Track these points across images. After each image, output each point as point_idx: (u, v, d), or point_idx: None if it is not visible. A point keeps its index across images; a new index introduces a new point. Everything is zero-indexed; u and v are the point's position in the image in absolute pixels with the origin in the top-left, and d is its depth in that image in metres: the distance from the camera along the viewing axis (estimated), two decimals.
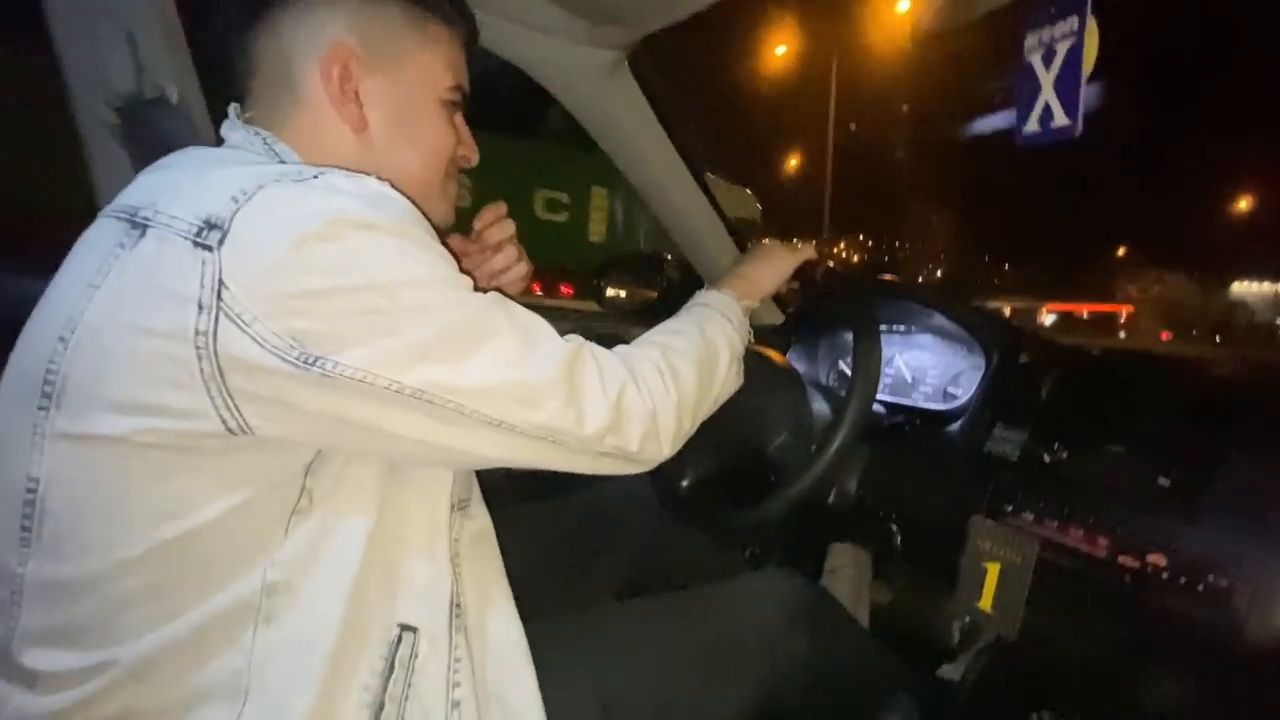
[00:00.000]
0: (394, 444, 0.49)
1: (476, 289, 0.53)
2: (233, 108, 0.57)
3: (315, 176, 0.46)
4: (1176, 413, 0.72)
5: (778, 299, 1.37)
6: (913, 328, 1.14)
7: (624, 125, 1.07)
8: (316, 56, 0.54)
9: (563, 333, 0.56)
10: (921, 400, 1.11)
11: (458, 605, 0.55)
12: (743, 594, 0.85)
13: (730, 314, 0.72)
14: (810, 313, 1.28)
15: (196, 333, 0.41)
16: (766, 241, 0.91)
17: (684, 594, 0.88)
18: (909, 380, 1.14)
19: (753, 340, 0.74)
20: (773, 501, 0.78)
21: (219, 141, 0.56)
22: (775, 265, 0.85)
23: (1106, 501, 0.72)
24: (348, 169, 0.54)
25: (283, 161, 0.52)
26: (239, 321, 0.41)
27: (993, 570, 0.77)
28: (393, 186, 0.50)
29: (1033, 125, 0.63)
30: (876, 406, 1.07)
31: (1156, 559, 0.67)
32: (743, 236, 1.32)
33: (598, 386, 0.53)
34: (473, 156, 0.65)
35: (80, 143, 0.79)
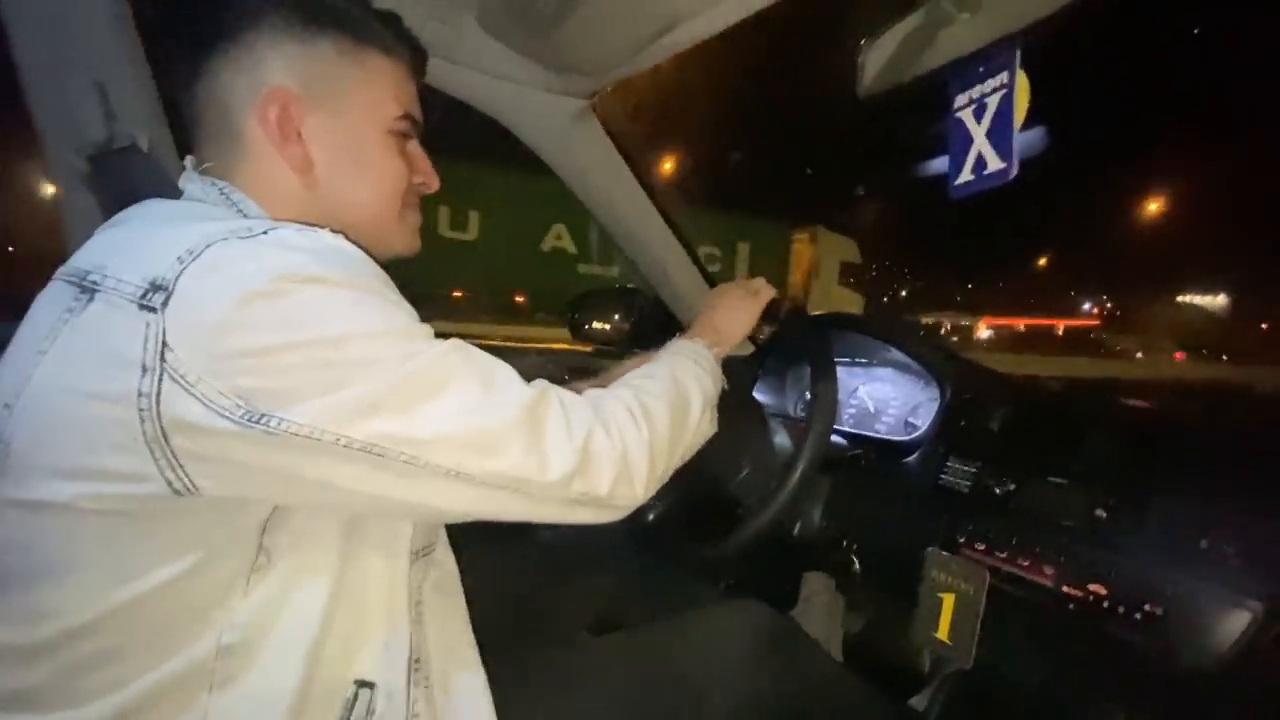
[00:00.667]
0: (350, 499, 0.48)
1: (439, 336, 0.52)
2: (189, 159, 0.57)
3: (265, 233, 0.46)
4: (1113, 446, 0.75)
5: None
6: (874, 361, 1.18)
7: (591, 169, 1.10)
8: (254, 101, 0.53)
9: (534, 370, 0.56)
10: (884, 431, 1.13)
11: (417, 660, 0.54)
12: (711, 626, 0.86)
13: (702, 361, 0.71)
14: (777, 346, 1.32)
15: (140, 395, 0.40)
16: (728, 286, 0.91)
17: (652, 627, 0.89)
18: (871, 411, 1.17)
19: (726, 386, 0.74)
20: (735, 535, 0.80)
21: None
22: (740, 313, 0.85)
23: (1051, 532, 0.75)
24: (302, 214, 0.55)
25: (241, 212, 0.53)
26: (183, 382, 0.41)
27: (948, 601, 0.79)
28: (346, 238, 0.50)
29: (966, 176, 0.66)
30: (839, 438, 1.10)
31: (1097, 588, 0.69)
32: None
33: (562, 430, 0.51)
34: (431, 183, 0.65)
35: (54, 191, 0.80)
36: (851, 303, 9.64)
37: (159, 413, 0.41)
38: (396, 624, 0.53)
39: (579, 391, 0.59)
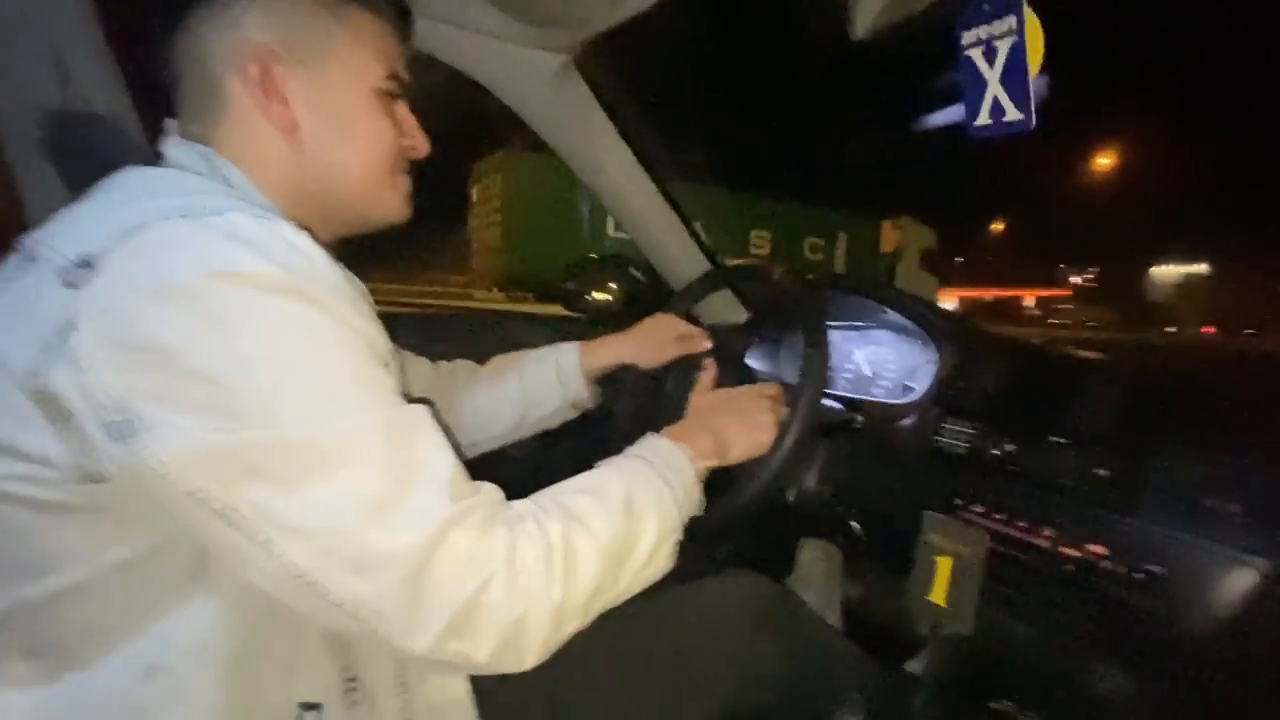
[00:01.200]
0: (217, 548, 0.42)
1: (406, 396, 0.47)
2: (170, 123, 0.55)
3: (219, 214, 0.42)
4: (1115, 405, 0.73)
5: (741, 296, 1.37)
6: (870, 324, 1.15)
7: (575, 129, 1.06)
8: (234, 60, 0.51)
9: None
10: (881, 395, 1.11)
11: (352, 680, 0.50)
12: (704, 597, 0.85)
13: (676, 481, 0.58)
14: (771, 311, 1.29)
15: (36, 372, 0.38)
16: (748, 390, 0.77)
17: (646, 598, 0.88)
18: (869, 375, 1.15)
19: (700, 512, 0.62)
20: (727, 504, 0.78)
21: (155, 155, 0.54)
22: (755, 430, 0.71)
23: (1050, 493, 0.73)
24: (289, 179, 0.54)
25: (226, 179, 0.50)
26: (75, 367, 0.38)
27: (944, 565, 0.78)
28: (314, 238, 0.45)
29: (984, 118, 0.62)
30: (836, 403, 1.07)
31: (1097, 549, 0.68)
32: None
33: (455, 573, 0.42)
34: (421, 146, 0.62)
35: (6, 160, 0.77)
36: (929, 285, 9.58)
37: (53, 393, 0.38)
38: (331, 642, 0.49)
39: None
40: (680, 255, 1.29)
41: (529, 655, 0.47)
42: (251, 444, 0.39)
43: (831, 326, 1.20)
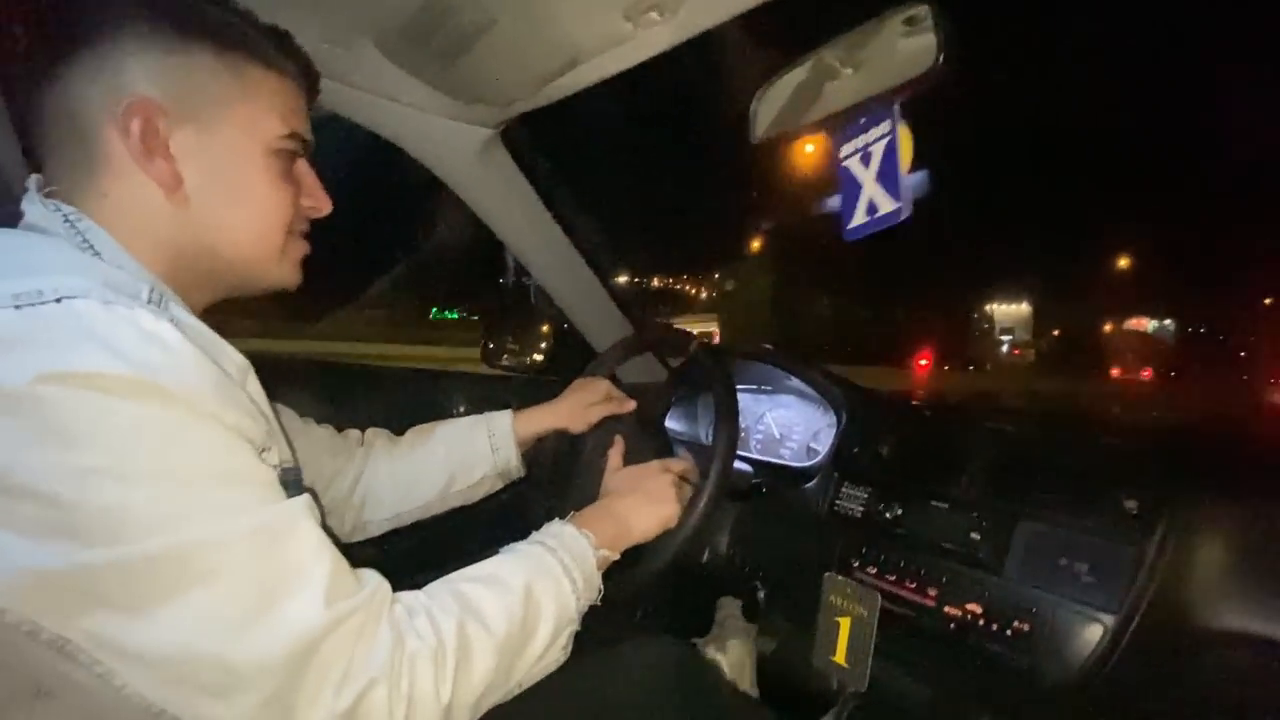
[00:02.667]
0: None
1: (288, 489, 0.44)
2: (33, 179, 0.50)
3: (57, 300, 0.37)
4: (987, 470, 0.81)
5: (660, 358, 1.42)
6: (777, 388, 1.22)
7: (501, 200, 1.09)
8: (113, 112, 0.47)
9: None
10: (788, 457, 1.17)
11: None
12: (616, 663, 0.84)
13: (576, 571, 0.58)
14: (689, 373, 1.34)
15: None
16: (651, 467, 0.78)
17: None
18: (777, 437, 1.21)
19: (599, 602, 0.63)
20: (641, 568, 0.80)
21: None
22: (659, 507, 0.72)
23: (934, 555, 0.79)
24: (169, 241, 0.50)
25: (89, 244, 0.46)
26: None
27: (844, 624, 0.82)
28: (175, 325, 0.40)
29: (859, 219, 0.69)
30: (746, 465, 1.12)
31: (974, 607, 0.74)
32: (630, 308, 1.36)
33: (331, 684, 0.39)
34: (322, 205, 0.60)
35: None
36: None
37: None
38: None
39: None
40: (602, 319, 1.32)
41: None
42: (91, 568, 0.34)
43: (743, 389, 1.26)
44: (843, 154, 0.70)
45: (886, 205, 0.66)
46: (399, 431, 0.95)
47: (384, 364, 1.51)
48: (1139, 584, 0.65)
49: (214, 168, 0.51)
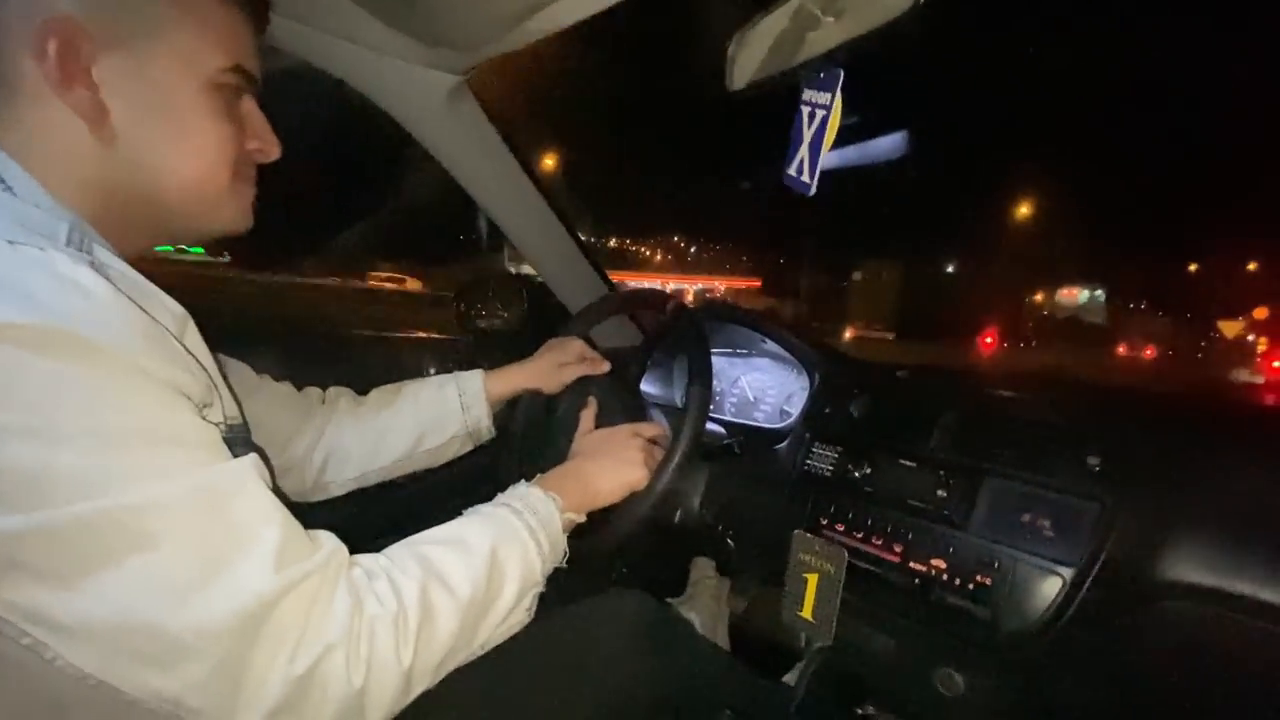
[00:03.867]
0: None
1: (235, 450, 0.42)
2: None
3: None
4: (955, 430, 0.82)
5: (636, 320, 1.41)
6: (752, 351, 1.22)
7: (467, 149, 1.05)
8: (28, 33, 0.42)
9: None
10: (761, 419, 1.18)
11: None
12: (588, 616, 0.85)
13: (542, 534, 0.58)
14: (664, 336, 1.33)
15: None
16: (620, 430, 0.79)
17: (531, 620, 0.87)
18: (751, 399, 1.21)
19: (564, 564, 0.62)
20: (612, 528, 0.80)
21: None
22: (625, 468, 0.72)
23: (901, 512, 0.80)
24: (96, 177, 0.46)
25: (2, 179, 0.42)
26: None
27: (812, 581, 0.83)
28: (93, 267, 0.37)
29: (792, 170, 0.68)
30: (719, 427, 1.12)
31: (938, 563, 0.75)
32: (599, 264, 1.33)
33: (285, 650, 0.38)
34: (270, 149, 0.56)
35: None
36: None
37: None
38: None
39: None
40: (576, 278, 1.30)
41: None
42: (11, 535, 0.32)
43: (718, 353, 1.26)
44: (804, 97, 0.68)
45: (804, 174, 0.66)
46: (364, 389, 0.93)
47: (352, 330, 1.47)
48: (1097, 538, 0.67)
49: (145, 100, 0.47)
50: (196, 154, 0.50)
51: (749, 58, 0.73)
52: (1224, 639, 0.61)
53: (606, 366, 0.98)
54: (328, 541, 0.45)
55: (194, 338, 0.46)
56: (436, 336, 1.39)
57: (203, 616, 0.35)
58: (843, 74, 0.60)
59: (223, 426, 0.45)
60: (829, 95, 0.62)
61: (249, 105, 0.54)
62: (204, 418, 0.42)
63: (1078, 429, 0.75)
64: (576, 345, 0.99)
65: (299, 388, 0.85)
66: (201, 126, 0.49)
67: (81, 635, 0.34)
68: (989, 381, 1.01)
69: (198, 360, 0.44)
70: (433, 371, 1.25)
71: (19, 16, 0.43)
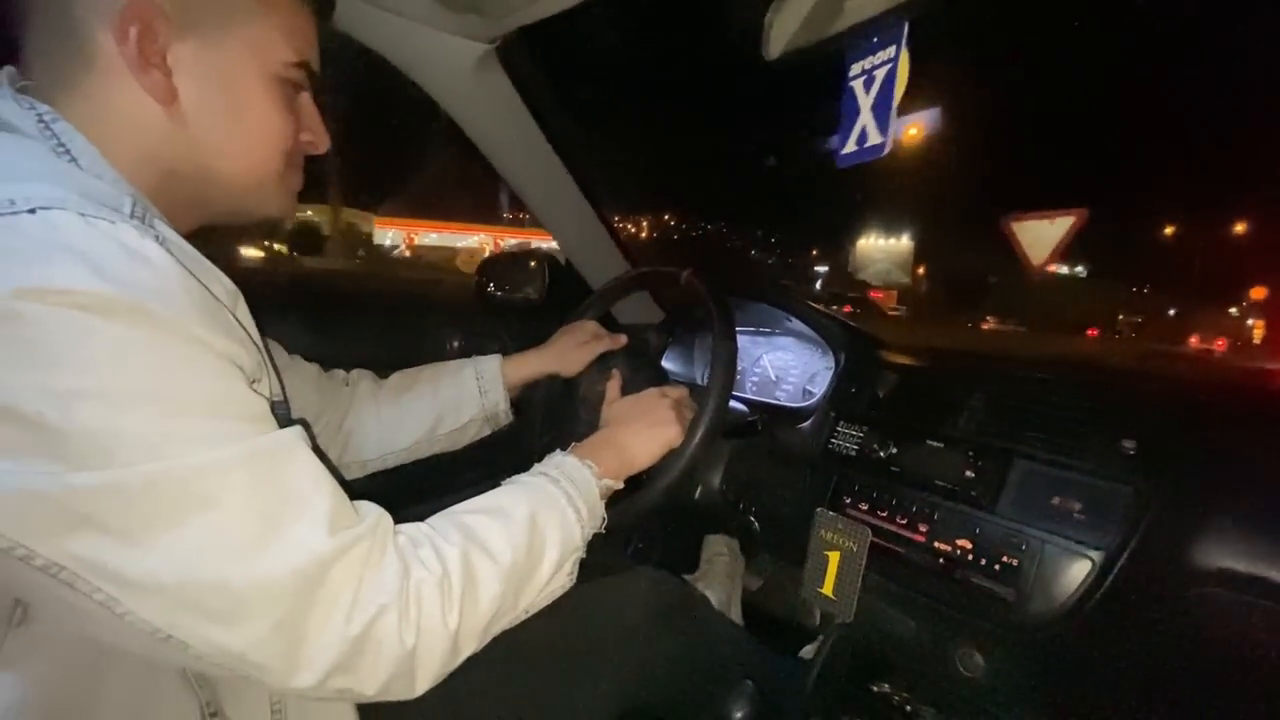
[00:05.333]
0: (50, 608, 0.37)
1: (279, 418, 0.42)
2: (5, 72, 0.47)
3: (31, 211, 0.34)
4: (984, 411, 0.81)
5: (656, 297, 1.40)
6: (775, 330, 1.21)
7: (495, 121, 1.04)
8: (111, 11, 0.44)
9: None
10: (784, 398, 1.17)
11: (214, 714, 0.45)
12: (606, 593, 0.86)
13: (579, 501, 0.59)
14: (685, 313, 1.32)
15: None
16: (650, 395, 0.78)
17: None
18: (773, 379, 1.21)
19: (603, 530, 0.63)
20: (634, 501, 0.80)
21: None
22: (659, 431, 0.72)
23: (926, 492, 0.80)
24: (158, 152, 0.47)
25: (64, 146, 0.43)
26: None
27: (833, 558, 0.83)
28: (158, 242, 0.38)
29: (850, 146, 0.66)
30: (741, 405, 1.12)
31: (964, 542, 0.75)
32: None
33: (340, 610, 0.39)
34: (320, 143, 0.58)
35: None
36: None
37: None
38: (190, 679, 0.44)
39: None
40: (599, 255, 1.29)
41: (421, 683, 0.45)
42: (82, 490, 0.33)
43: (741, 332, 1.25)
44: (851, 73, 0.67)
45: (874, 137, 0.64)
46: (389, 360, 0.94)
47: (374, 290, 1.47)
48: (1130, 522, 0.66)
49: (213, 86, 0.48)
50: (255, 141, 0.52)
51: (787, 25, 0.71)
52: (1259, 627, 0.61)
53: (623, 340, 0.98)
54: (371, 510, 0.46)
55: (244, 313, 0.47)
56: (462, 305, 1.39)
57: (264, 574, 0.37)
58: (908, 24, 0.58)
59: (269, 400, 0.46)
60: (890, 50, 0.60)
61: (306, 100, 0.56)
62: (254, 390, 0.43)
63: (1111, 412, 0.74)
64: (590, 326, 0.99)
65: (325, 355, 0.85)
66: (263, 116, 0.52)
67: (150, 590, 0.35)
68: (1015, 366, 1.00)
69: (250, 336, 0.45)
70: (456, 344, 1.25)
71: None
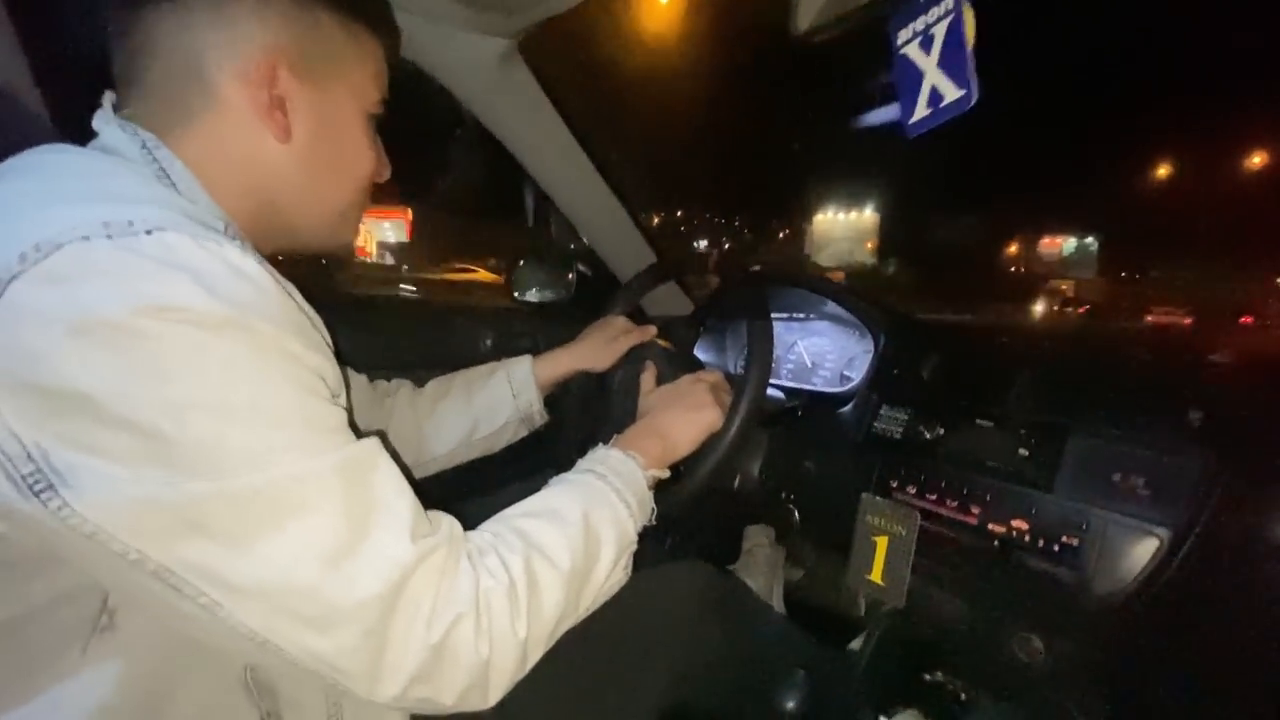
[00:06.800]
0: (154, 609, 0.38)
1: (355, 429, 0.44)
2: (108, 97, 0.49)
3: (148, 232, 0.36)
4: (1035, 389, 0.78)
5: (685, 288, 1.39)
6: (810, 315, 1.18)
7: (519, 117, 1.04)
8: (240, 58, 0.48)
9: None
10: (820, 384, 1.15)
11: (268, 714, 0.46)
12: (652, 585, 0.85)
13: (629, 495, 0.59)
14: (717, 303, 1.31)
15: None
16: (686, 383, 0.78)
17: None
18: (809, 365, 1.18)
19: (654, 521, 0.63)
20: (675, 493, 0.79)
21: (58, 132, 0.49)
22: (699, 415, 0.72)
23: (977, 473, 0.77)
24: (259, 185, 0.50)
25: (165, 172, 0.46)
26: None
27: (881, 544, 0.81)
28: (257, 262, 0.40)
29: (921, 111, 0.63)
30: (777, 392, 1.10)
31: (1019, 524, 0.72)
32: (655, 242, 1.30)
33: (421, 619, 0.40)
34: (385, 171, 0.61)
35: None
36: None
37: None
38: (251, 687, 0.45)
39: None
40: (626, 248, 1.28)
41: (494, 693, 0.46)
42: (193, 497, 0.35)
43: (774, 318, 1.23)
44: (900, 40, 0.64)
45: (952, 92, 0.59)
46: (423, 362, 0.94)
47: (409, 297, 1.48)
48: (1200, 497, 0.63)
49: (320, 126, 0.52)
50: (349, 175, 0.56)
51: None
52: None
53: (653, 331, 0.97)
54: (444, 518, 0.47)
55: (324, 331, 0.48)
56: (493, 306, 1.40)
57: (353, 582, 0.38)
58: None
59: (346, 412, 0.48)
60: (946, 3, 0.57)
61: (373, 132, 0.59)
62: (336, 403, 0.44)
63: (1174, 384, 0.70)
64: (619, 321, 0.99)
65: (362, 358, 0.86)
66: (359, 151, 0.56)
67: (250, 595, 0.36)
68: (1065, 342, 0.96)
69: (331, 350, 0.47)
70: (489, 343, 1.26)
71: (229, 44, 0.48)
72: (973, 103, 0.56)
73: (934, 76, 0.59)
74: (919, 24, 0.60)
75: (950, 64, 0.58)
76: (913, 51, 0.60)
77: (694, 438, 0.71)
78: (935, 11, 0.58)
